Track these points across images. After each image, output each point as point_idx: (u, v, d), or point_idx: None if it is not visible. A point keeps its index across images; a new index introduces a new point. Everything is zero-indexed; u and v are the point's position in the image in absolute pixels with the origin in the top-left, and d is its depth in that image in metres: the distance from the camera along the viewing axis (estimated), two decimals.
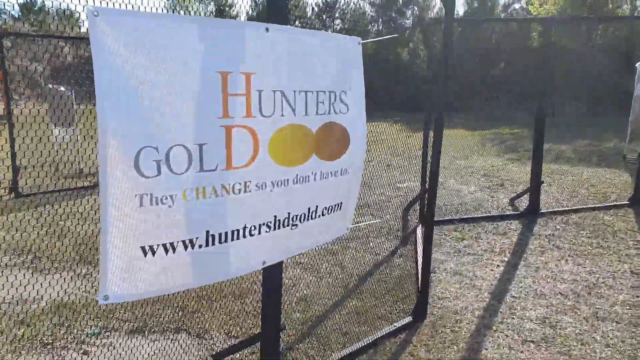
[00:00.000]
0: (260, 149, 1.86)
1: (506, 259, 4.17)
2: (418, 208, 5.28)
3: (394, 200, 6.13)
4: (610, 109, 13.62)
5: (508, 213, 5.52)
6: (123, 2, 1.95)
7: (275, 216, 1.99)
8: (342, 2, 36.58)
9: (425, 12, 31.53)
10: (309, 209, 2.13)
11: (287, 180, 1.99)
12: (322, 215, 2.24)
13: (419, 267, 3.70)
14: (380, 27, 31.60)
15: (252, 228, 1.90)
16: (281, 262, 2.18)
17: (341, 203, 2.34)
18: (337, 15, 37.12)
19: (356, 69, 2.30)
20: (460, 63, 20.33)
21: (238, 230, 1.85)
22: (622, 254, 4.22)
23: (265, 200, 1.92)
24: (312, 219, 2.17)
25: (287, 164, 1.98)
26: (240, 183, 1.82)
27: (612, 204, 5.78)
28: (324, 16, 36.62)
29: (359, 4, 33.26)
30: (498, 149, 10.82)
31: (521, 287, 3.61)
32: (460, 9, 28.51)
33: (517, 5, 25.87)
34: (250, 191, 1.86)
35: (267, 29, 1.83)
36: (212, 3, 37.40)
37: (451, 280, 3.75)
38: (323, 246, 4.31)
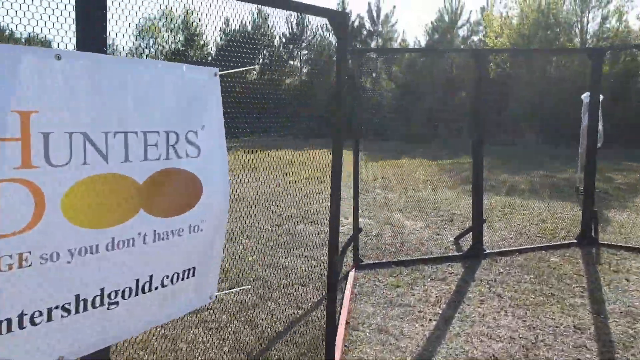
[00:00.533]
0: (48, 208, 1.39)
1: (440, 311, 3.74)
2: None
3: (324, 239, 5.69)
4: (567, 140, 13.72)
5: (450, 254, 5.14)
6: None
7: (77, 295, 1.49)
8: (309, 33, 36.95)
9: (389, 43, 32.10)
10: (137, 280, 1.65)
11: (97, 246, 1.51)
12: (163, 286, 1.75)
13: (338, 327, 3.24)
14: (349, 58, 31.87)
15: (36, 314, 1.40)
16: (107, 349, 1.68)
17: (194, 268, 1.86)
18: (303, 45, 37.57)
19: (212, 105, 1.87)
20: (424, 92, 20.49)
21: (9, 321, 1.35)
22: (565, 304, 3.85)
23: (58, 274, 1.43)
24: (144, 292, 1.68)
25: (96, 225, 1.51)
26: (11, 256, 1.33)
27: (559, 242, 5.48)
28: (291, 46, 36.95)
29: (325, 35, 33.60)
30: (455, 180, 10.59)
31: (451, 348, 3.17)
32: (422, 39, 29.06)
33: (475, 38, 26.50)
34: (30, 265, 1.37)
35: (58, 56, 1.38)
36: (180, 33, 37.29)
37: (374, 340, 3.28)
38: (238, 299, 3.81)
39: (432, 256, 5.04)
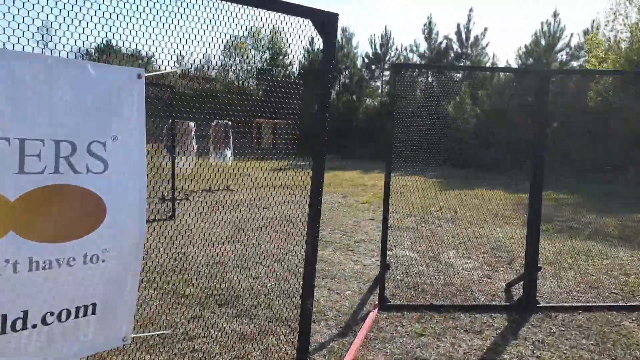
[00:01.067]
0: None
1: None
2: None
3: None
4: None
5: (496, 303, 4.43)
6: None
7: None
8: (393, 53, 36.56)
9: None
10: (3, 317, 1.39)
11: None
12: (46, 323, 1.48)
13: None
14: (430, 79, 31.06)
15: None
16: None
17: (94, 305, 1.57)
18: (386, 66, 37.18)
19: (130, 111, 1.60)
20: (503, 119, 19.13)
21: None
22: None
23: None
24: (15, 330, 1.43)
25: None
26: None
27: (638, 304, 4.53)
28: (374, 67, 36.67)
29: (407, 56, 33.00)
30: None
31: None
32: (513, 63, 27.38)
33: (575, 63, 24.42)
34: None
35: None
36: (267, 51, 38.73)
37: None
38: (239, 329, 3.44)
39: (473, 303, 4.38)
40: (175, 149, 9.08)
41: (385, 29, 42.52)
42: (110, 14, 1.76)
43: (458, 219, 8.97)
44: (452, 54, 32.16)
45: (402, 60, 33.62)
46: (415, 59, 33.31)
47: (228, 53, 40.77)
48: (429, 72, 32.44)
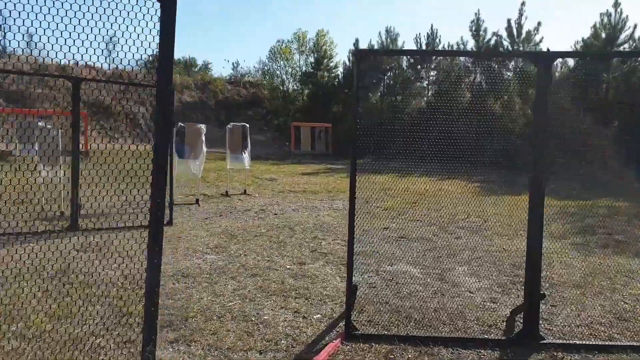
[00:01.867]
0: None
1: None
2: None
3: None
4: None
5: (491, 336, 3.67)
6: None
7: None
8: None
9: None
10: None
11: None
12: None
13: None
14: (478, 79, 29.57)
15: None
16: None
17: None
18: (432, 66, 36.01)
19: None
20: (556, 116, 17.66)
21: None
22: None
23: None
24: None
25: None
26: None
27: None
28: (419, 67, 35.55)
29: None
30: (570, 228, 8.45)
31: None
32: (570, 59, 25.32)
33: None
34: None
35: None
36: (313, 55, 38.48)
37: None
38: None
39: (461, 335, 3.65)
40: (184, 151, 8.84)
41: (432, 28, 41.20)
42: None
43: (485, 229, 8.09)
44: (502, 50, 30.47)
45: (449, 60, 32.24)
46: (462, 58, 31.77)
47: (273, 57, 40.99)
48: (476, 67, 30.96)
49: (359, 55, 3.86)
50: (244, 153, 10.74)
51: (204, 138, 9.07)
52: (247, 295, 4.30)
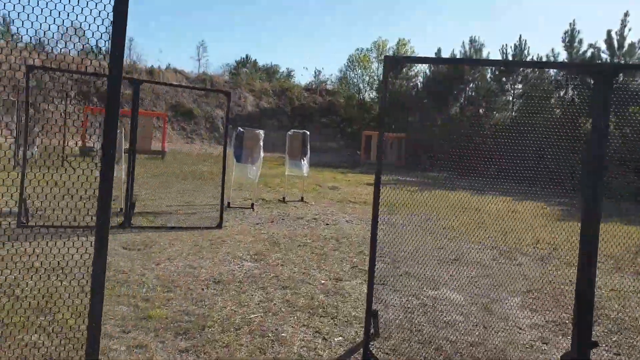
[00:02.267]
0: None
1: None
2: None
3: None
4: None
5: None
6: None
7: None
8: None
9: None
10: None
11: None
12: None
13: None
14: (569, 93, 27.44)
15: None
16: None
17: None
18: (519, 79, 34.16)
19: None
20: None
21: None
22: None
23: None
24: None
25: None
26: None
27: None
28: (504, 79, 33.81)
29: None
30: None
31: None
32: None
33: None
34: None
35: None
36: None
37: None
38: None
39: None
40: (242, 156, 8.97)
41: (520, 38, 39.06)
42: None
43: (553, 257, 7.33)
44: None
45: (537, 72, 30.38)
46: (552, 71, 29.78)
47: (351, 66, 41.13)
48: (568, 84, 28.88)
49: (388, 62, 3.58)
50: (303, 160, 10.70)
51: (261, 143, 9.15)
52: (272, 309, 4.16)
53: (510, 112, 32.36)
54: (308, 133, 11.03)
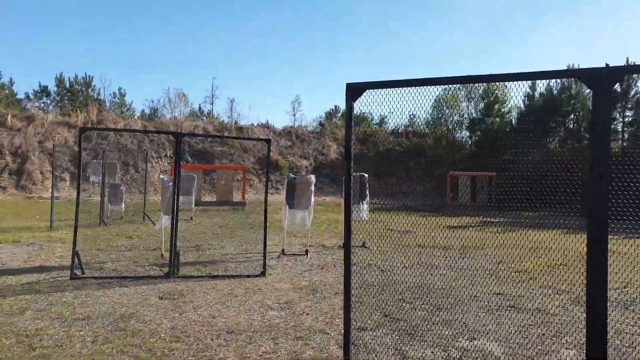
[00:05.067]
0: None
1: None
2: None
3: None
4: None
5: None
6: None
7: None
8: (638, 89, 30.23)
9: None
10: None
11: None
12: None
13: None
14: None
15: None
16: None
17: None
18: (629, 105, 31.07)
19: None
20: None
21: None
22: None
23: None
24: None
25: None
26: None
27: None
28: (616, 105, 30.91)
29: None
30: None
31: None
32: None
33: None
34: None
35: None
36: (483, 102, 36.83)
37: None
38: None
39: None
40: (294, 202, 9.03)
41: (627, 61, 35.75)
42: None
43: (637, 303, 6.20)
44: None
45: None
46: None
47: (438, 106, 40.55)
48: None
49: (350, 90, 3.42)
50: (363, 203, 10.48)
51: (312, 188, 9.15)
52: None
53: (621, 141, 29.26)
54: (366, 175, 10.85)
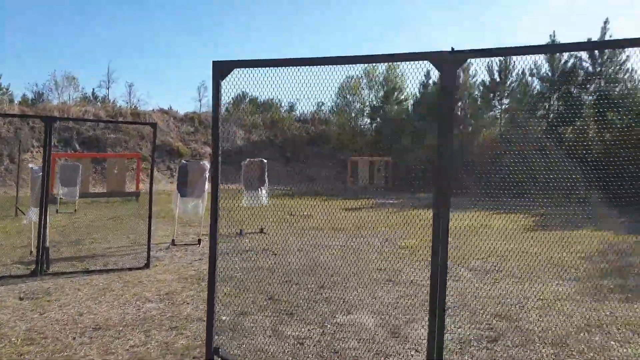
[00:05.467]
0: None
1: None
2: None
3: None
4: None
5: None
6: None
7: None
8: (514, 78, 33.16)
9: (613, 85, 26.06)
10: None
11: None
12: None
13: None
14: (554, 105, 27.11)
15: None
16: None
17: None
18: (506, 93, 34.07)
19: None
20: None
21: None
22: None
23: None
24: None
25: None
26: None
27: None
28: (491, 95, 33.69)
29: (528, 80, 29.37)
30: (604, 268, 6.92)
31: None
32: None
33: None
34: None
35: None
36: (382, 89, 38.27)
37: None
38: None
39: None
40: (187, 190, 8.69)
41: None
42: None
43: (499, 270, 6.87)
44: (582, 74, 27.87)
45: (527, 84, 30.27)
46: (536, 82, 29.65)
47: (341, 94, 41.38)
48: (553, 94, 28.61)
49: (217, 68, 3.34)
50: (262, 190, 10.42)
51: (207, 175, 8.89)
52: (140, 353, 3.79)
53: (499, 127, 32.09)
54: (266, 161, 10.78)
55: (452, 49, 2.97)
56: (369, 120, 38.58)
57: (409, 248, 8.83)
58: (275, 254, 8.13)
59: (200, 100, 47.63)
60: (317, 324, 4.52)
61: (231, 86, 3.47)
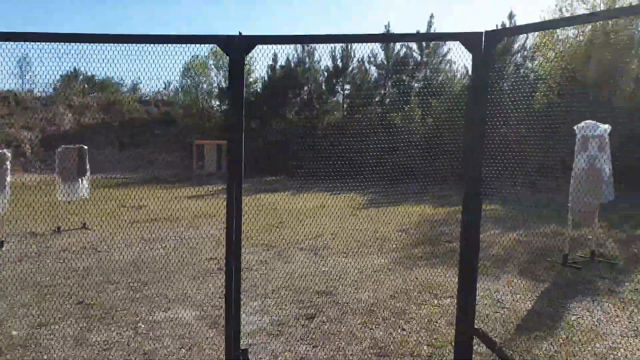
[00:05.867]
0: None
1: None
2: None
3: None
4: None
5: None
6: None
7: None
8: (355, 64, 35.28)
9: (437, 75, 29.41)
10: None
11: None
12: None
13: None
14: (387, 92, 29.65)
15: None
16: None
17: None
18: (347, 80, 35.99)
19: None
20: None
21: None
22: None
23: None
24: None
25: None
26: None
27: None
28: (334, 80, 35.37)
29: (366, 67, 31.58)
30: (419, 238, 7.82)
31: None
32: None
33: (531, 65, 23.00)
34: None
35: None
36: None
37: None
38: None
39: None
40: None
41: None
42: None
43: (329, 247, 7.25)
44: (412, 63, 30.85)
45: (366, 71, 32.30)
46: (373, 70, 31.97)
47: (187, 74, 39.45)
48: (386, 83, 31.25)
49: None
50: (82, 180, 9.35)
51: (8, 165, 7.64)
52: None
53: (342, 112, 34.00)
54: (86, 148, 9.67)
55: (240, 33, 2.91)
56: (217, 102, 37.61)
57: (245, 232, 8.80)
58: (99, 252, 7.39)
59: (22, 77, 41.15)
60: (130, 326, 4.19)
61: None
